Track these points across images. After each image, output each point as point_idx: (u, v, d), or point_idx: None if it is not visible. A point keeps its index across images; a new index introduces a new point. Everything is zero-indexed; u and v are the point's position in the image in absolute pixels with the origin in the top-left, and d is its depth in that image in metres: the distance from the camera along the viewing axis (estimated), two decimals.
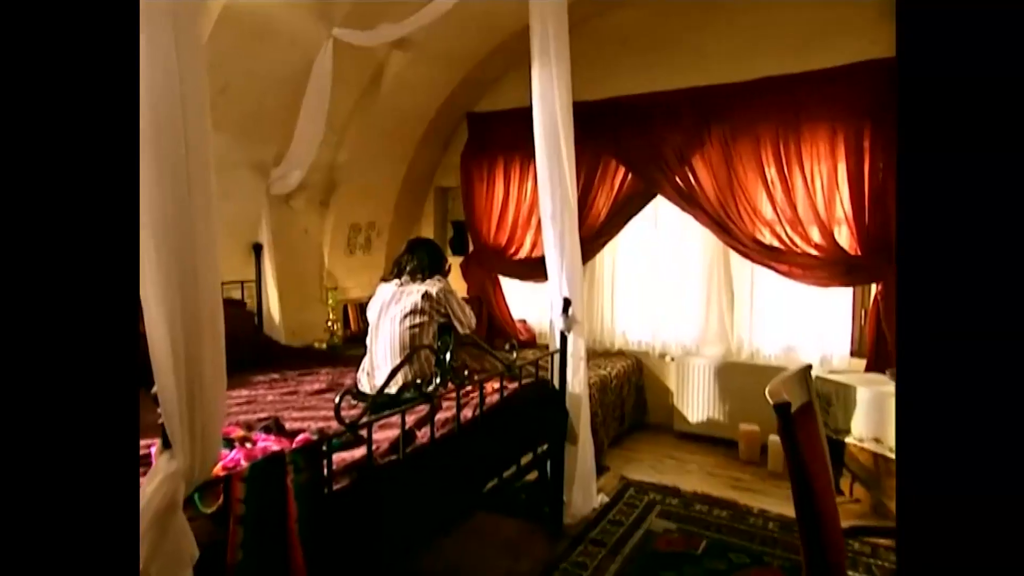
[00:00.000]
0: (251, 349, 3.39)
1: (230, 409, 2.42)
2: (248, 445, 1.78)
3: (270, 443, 1.85)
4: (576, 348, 2.85)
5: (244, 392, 2.67)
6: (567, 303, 2.79)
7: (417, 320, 2.71)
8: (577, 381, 2.88)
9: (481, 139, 4.94)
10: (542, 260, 4.80)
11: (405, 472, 1.87)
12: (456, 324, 2.86)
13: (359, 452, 1.80)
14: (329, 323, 4.31)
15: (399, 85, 4.28)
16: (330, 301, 4.33)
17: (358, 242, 4.82)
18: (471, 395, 2.39)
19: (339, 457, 1.76)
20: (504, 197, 4.84)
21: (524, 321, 5.05)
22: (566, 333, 2.83)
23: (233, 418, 2.27)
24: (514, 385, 2.60)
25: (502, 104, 4.81)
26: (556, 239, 2.78)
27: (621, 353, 4.51)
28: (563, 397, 2.87)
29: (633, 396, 4.34)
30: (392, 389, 2.73)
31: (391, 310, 2.77)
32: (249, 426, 2.05)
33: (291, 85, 3.63)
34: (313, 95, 3.62)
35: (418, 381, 2.69)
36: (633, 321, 4.57)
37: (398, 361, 2.69)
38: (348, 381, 2.97)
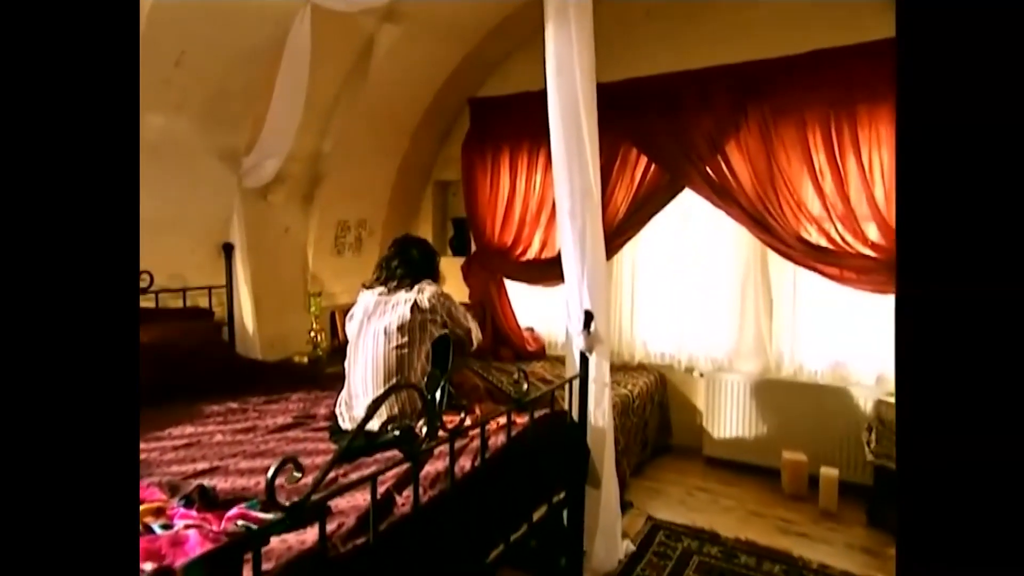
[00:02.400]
0: (214, 368, 2.89)
1: (163, 456, 1.92)
2: (158, 530, 1.28)
3: (190, 520, 1.34)
4: (600, 372, 2.34)
5: (189, 429, 2.16)
6: (588, 317, 2.27)
7: (405, 339, 2.21)
8: (600, 412, 2.36)
9: (484, 127, 4.44)
10: (552, 262, 4.36)
11: (377, 560, 1.36)
12: (458, 333, 2.36)
13: (311, 535, 1.29)
14: (312, 333, 3.81)
15: (391, 63, 3.77)
16: (312, 308, 3.83)
17: (347, 242, 4.32)
18: (470, 437, 1.88)
19: (282, 546, 1.26)
20: (510, 192, 4.34)
21: (532, 329, 4.54)
22: (587, 354, 2.31)
23: (161, 471, 1.76)
24: (524, 419, 2.09)
25: (508, 88, 4.31)
26: (575, 238, 2.26)
27: (642, 367, 3.99)
28: (583, 432, 2.36)
29: (656, 416, 3.82)
30: (374, 423, 2.24)
31: (372, 325, 2.27)
32: (174, 488, 1.54)
33: (262, 59, 3.12)
34: (288, 72, 3.11)
35: (407, 416, 2.20)
36: (656, 330, 4.04)
37: (381, 390, 2.19)
38: (322, 411, 2.46)
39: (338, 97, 3.80)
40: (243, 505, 1.37)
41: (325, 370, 3.25)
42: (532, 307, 4.52)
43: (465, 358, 3.69)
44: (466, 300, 4.44)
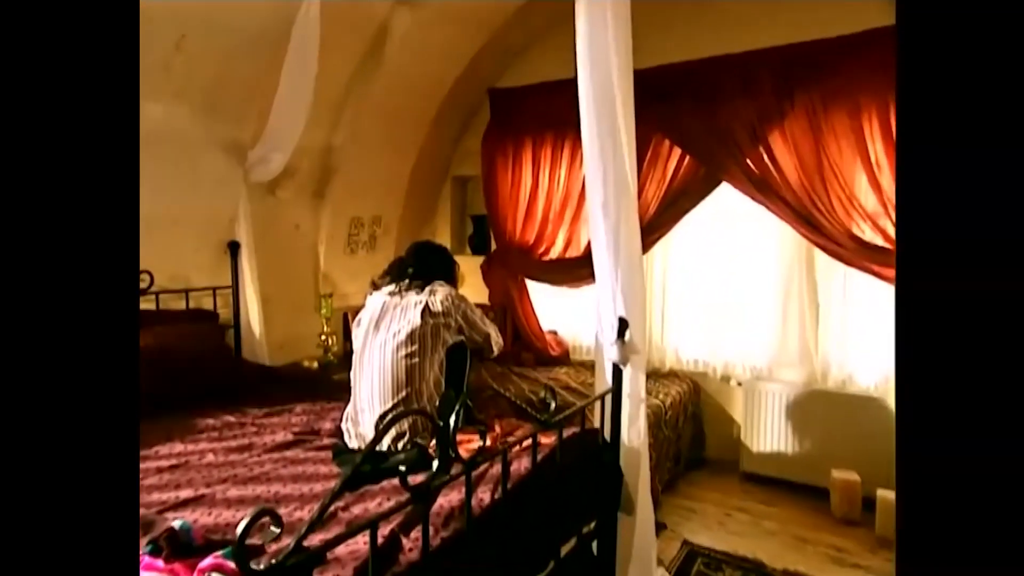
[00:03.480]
0: (215, 374, 2.69)
1: (145, 479, 1.71)
2: None
3: (155, 574, 1.12)
4: (635, 387, 2.08)
5: (178, 447, 1.95)
6: (623, 325, 2.01)
7: (415, 347, 1.98)
8: (635, 431, 2.11)
9: (506, 118, 4.19)
10: (577, 261, 4.10)
11: None
12: (476, 339, 2.13)
13: None
14: (323, 336, 3.60)
15: (406, 52, 3.54)
16: (323, 310, 3.61)
17: (360, 240, 4.11)
18: (488, 461, 1.64)
19: None
20: (533, 187, 4.09)
21: (555, 333, 4.30)
22: (621, 366, 2.06)
23: (140, 500, 1.55)
24: (550, 439, 1.84)
25: (530, 77, 4.06)
26: (609, 235, 2.01)
27: (674, 374, 3.72)
28: (616, 453, 2.10)
29: (690, 428, 3.55)
30: (384, 441, 2.01)
31: (380, 333, 2.04)
32: (147, 525, 1.32)
33: (268, 44, 2.91)
34: (296, 58, 2.88)
35: (418, 432, 1.97)
36: (689, 335, 3.77)
37: (389, 405, 1.96)
38: (327, 425, 2.24)
39: (349, 87, 3.58)
40: (219, 554, 1.14)
41: (333, 377, 3.02)
42: (555, 309, 4.29)
43: (484, 363, 3.47)
44: (485, 301, 4.22)
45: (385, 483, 1.67)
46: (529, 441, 1.72)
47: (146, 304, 2.86)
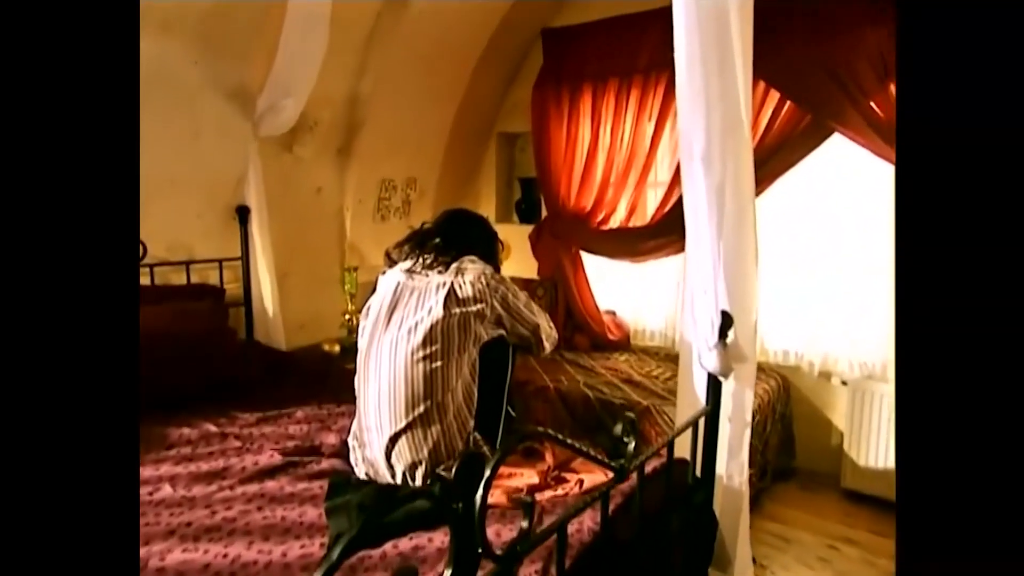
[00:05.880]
0: (213, 364, 2.24)
1: None
2: None
3: None
4: (739, 407, 1.51)
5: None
6: (727, 321, 1.44)
7: (436, 346, 1.46)
8: (737, 466, 1.55)
9: (562, 64, 3.59)
10: (641, 232, 3.50)
11: None
12: (521, 332, 1.61)
13: None
14: (347, 316, 3.14)
15: None
16: (347, 285, 3.15)
17: (392, 205, 3.61)
18: (542, 507, 1.12)
19: None
20: (591, 144, 3.50)
21: (613, 313, 3.75)
22: (720, 378, 1.49)
23: None
24: (625, 485, 1.30)
25: (591, 14, 3.43)
26: (710, 196, 1.42)
27: (759, 368, 3.09)
28: (709, 494, 1.55)
29: (778, 433, 2.95)
30: (396, 468, 1.52)
31: (391, 327, 1.53)
32: None
33: None
34: None
35: (441, 458, 1.47)
36: (778, 322, 3.14)
37: (402, 424, 1.46)
38: (331, 439, 1.76)
39: (377, 25, 3.05)
40: None
41: (347, 366, 2.53)
42: (614, 286, 3.73)
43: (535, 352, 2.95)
44: (534, 276, 3.69)
45: (389, 549, 1.17)
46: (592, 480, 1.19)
47: (140, 278, 2.44)
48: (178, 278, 2.66)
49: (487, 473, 0.81)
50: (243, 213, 2.85)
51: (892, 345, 2.79)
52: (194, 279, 2.70)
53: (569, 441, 0.99)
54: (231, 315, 2.74)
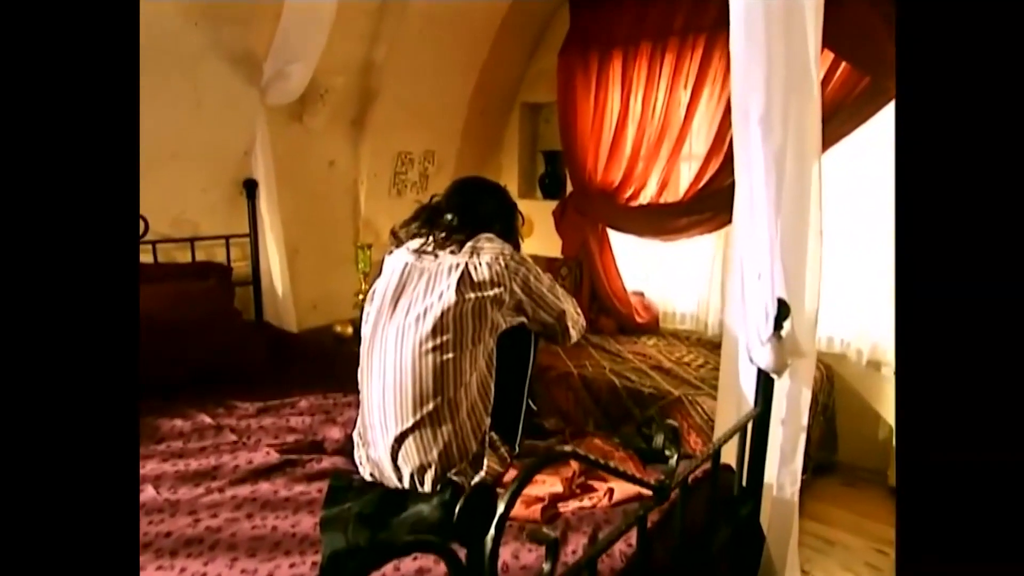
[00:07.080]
0: (216, 347, 2.11)
1: None
2: None
3: None
4: (794, 409, 1.32)
5: None
6: (783, 310, 1.24)
7: (448, 335, 1.29)
8: (789, 474, 1.36)
9: (589, 28, 3.35)
10: (673, 208, 3.26)
11: None
12: (544, 319, 1.44)
13: None
14: (360, 296, 2.99)
15: None
16: (361, 264, 3.00)
17: (409, 179, 3.43)
18: (567, 522, 0.95)
19: None
20: (621, 114, 3.27)
21: (641, 295, 3.56)
22: (774, 375, 1.29)
23: None
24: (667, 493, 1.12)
25: None
26: (768, 163, 1.21)
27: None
28: (756, 505, 1.37)
29: (820, 425, 2.74)
30: (403, 471, 1.36)
31: (397, 313, 1.36)
32: None
33: None
34: None
35: (453, 461, 1.32)
36: (823, 305, 2.90)
37: (410, 422, 1.30)
38: (335, 433, 1.61)
39: None
40: None
41: (355, 348, 2.37)
42: (642, 266, 3.55)
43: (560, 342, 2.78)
44: (558, 254, 3.50)
45: (390, 571, 1.02)
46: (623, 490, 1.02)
47: (141, 256, 2.31)
48: (183, 256, 2.53)
49: (500, 509, 0.63)
50: (251, 187, 2.70)
51: None
52: (200, 257, 2.57)
53: (601, 461, 0.82)
54: (239, 295, 2.61)
